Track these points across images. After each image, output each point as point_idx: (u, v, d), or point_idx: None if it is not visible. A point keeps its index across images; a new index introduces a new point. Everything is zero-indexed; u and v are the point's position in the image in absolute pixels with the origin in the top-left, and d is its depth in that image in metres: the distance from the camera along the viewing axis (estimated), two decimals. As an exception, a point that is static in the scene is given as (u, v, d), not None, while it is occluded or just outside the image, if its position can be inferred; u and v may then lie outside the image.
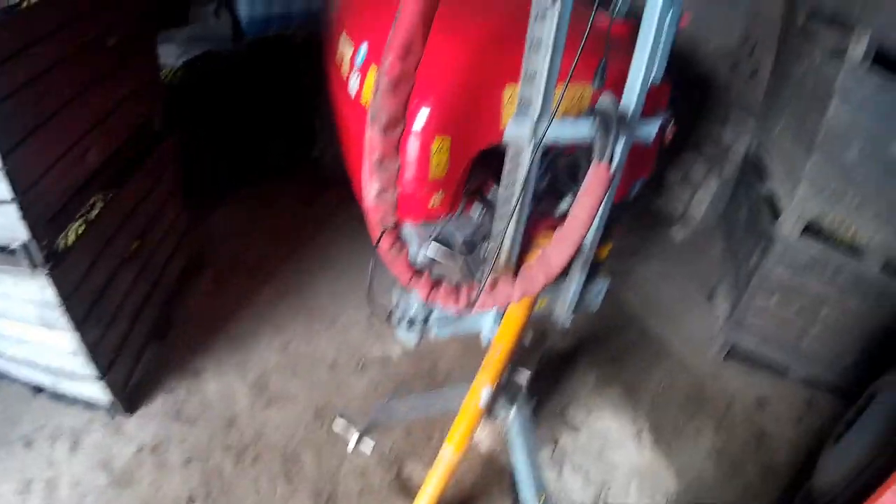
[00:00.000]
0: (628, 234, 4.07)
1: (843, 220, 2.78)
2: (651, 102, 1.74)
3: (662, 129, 1.82)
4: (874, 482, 1.77)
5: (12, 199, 1.87)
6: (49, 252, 2.05)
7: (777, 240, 2.87)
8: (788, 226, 2.82)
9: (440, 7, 1.29)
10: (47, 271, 2.05)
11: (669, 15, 1.54)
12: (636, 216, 4.24)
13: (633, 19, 1.71)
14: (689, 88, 4.00)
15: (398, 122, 1.39)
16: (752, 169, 3.60)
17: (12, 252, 2.01)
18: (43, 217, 2.03)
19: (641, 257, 3.99)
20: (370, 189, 1.49)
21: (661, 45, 1.59)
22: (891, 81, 2.44)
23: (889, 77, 2.44)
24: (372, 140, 1.41)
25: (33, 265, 2.03)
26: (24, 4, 1.85)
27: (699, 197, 4.21)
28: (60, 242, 2.14)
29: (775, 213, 2.98)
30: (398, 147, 1.44)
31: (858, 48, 2.43)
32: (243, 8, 3.78)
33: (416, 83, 1.38)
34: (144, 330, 2.79)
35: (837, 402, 3.10)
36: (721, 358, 3.26)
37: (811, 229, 2.83)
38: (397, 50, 1.29)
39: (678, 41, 1.66)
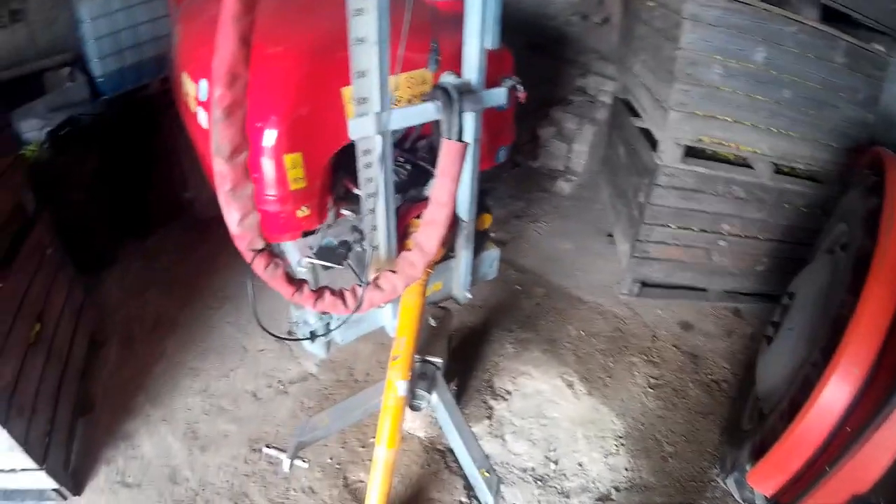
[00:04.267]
0: (514, 200, 4.15)
1: (722, 139, 2.88)
2: (494, 70, 1.76)
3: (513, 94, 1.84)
4: (812, 374, 1.86)
5: None
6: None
7: (660, 169, 2.93)
8: (668, 154, 2.91)
9: (260, 27, 1.29)
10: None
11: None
12: (518, 182, 4.31)
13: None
14: (544, 47, 4.07)
15: (240, 148, 1.40)
16: (623, 110, 3.70)
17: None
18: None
19: (531, 219, 4.06)
20: (231, 218, 1.50)
21: (488, 11, 1.60)
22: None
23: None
24: (220, 171, 1.41)
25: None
26: None
27: (577, 148, 4.33)
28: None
29: (653, 146, 3.06)
30: (247, 172, 1.44)
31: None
32: (95, 66, 3.74)
33: (252, 105, 1.38)
34: (68, 410, 2.71)
35: (762, 307, 3.23)
36: (633, 295, 3.33)
37: (693, 153, 2.93)
38: (223, 78, 1.30)
39: (525, 4, 1.67)
